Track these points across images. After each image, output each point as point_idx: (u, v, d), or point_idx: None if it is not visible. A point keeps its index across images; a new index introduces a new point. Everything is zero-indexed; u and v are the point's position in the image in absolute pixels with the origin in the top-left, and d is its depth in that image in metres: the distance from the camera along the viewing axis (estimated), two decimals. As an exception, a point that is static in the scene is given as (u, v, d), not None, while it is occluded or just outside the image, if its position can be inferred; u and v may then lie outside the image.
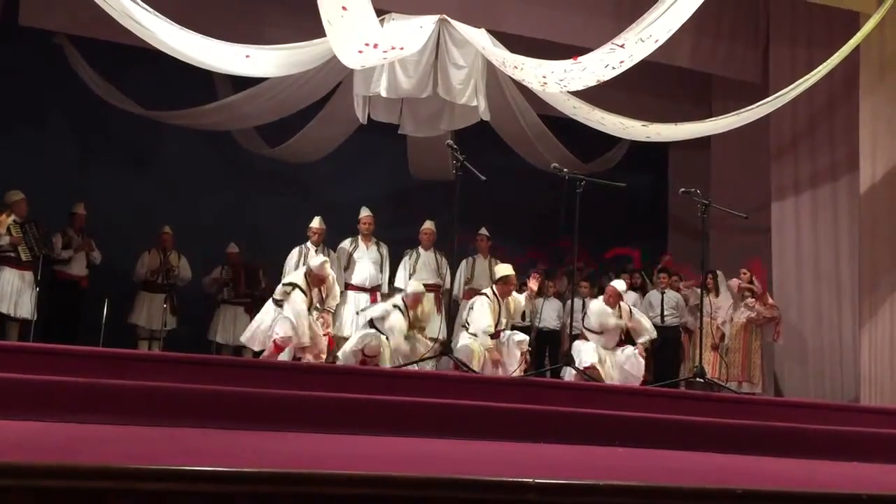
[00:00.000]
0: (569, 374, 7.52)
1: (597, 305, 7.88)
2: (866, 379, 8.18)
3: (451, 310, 8.52)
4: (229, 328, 9.70)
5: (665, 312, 9.45)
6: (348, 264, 8.65)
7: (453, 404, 4.87)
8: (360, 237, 8.76)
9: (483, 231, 9.28)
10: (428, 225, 8.74)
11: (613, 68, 7.45)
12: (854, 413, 6.45)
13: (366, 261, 8.72)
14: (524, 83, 8.29)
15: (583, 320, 8.04)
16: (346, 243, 8.77)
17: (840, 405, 7.48)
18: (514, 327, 9.63)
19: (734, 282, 9.23)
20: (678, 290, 9.70)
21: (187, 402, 4.27)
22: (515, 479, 2.65)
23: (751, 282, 9.10)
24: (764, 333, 9.09)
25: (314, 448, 3.72)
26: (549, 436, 4.72)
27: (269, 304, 7.54)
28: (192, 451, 3.37)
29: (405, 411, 4.68)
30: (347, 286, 8.60)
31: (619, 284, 7.97)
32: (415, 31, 7.78)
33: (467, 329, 7.47)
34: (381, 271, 8.75)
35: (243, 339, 7.73)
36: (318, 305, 7.54)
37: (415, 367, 6.79)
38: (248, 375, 4.90)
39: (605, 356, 7.63)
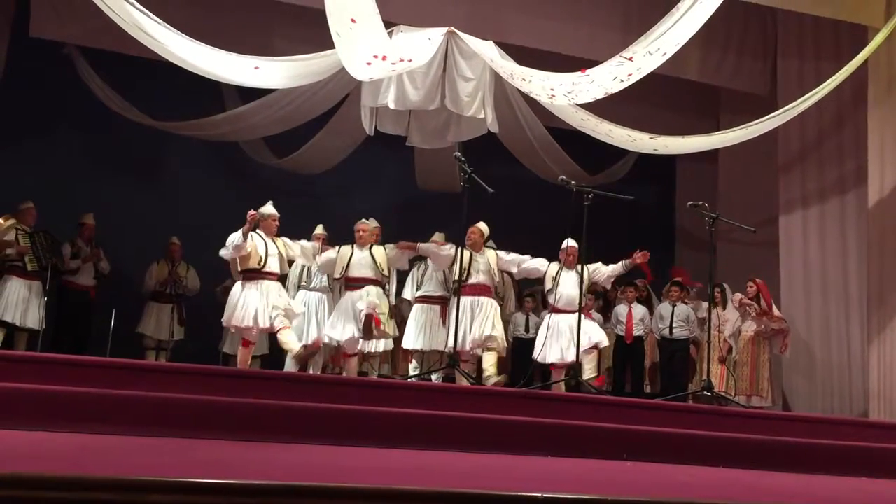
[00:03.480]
0: None
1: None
2: (875, 394, 8.12)
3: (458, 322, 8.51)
4: (237, 339, 9.69)
5: (674, 325, 9.42)
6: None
7: (461, 417, 4.85)
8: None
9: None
10: (436, 237, 8.70)
11: (622, 81, 7.45)
12: (863, 428, 6.40)
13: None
14: (532, 95, 8.30)
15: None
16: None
17: (849, 420, 7.44)
18: (518, 339, 9.67)
19: (736, 296, 9.22)
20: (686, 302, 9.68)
21: (196, 414, 4.26)
22: (524, 494, 2.64)
23: (757, 296, 9.07)
24: (772, 346, 9.05)
25: (322, 460, 3.71)
26: (557, 449, 4.70)
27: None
28: (201, 462, 3.36)
29: (413, 423, 4.66)
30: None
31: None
32: (423, 44, 7.79)
33: None
34: (389, 283, 8.72)
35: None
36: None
37: (420, 379, 6.78)
38: (257, 387, 4.89)
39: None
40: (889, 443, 5.83)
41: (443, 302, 8.35)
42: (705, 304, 9.03)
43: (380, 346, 8.35)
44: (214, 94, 9.68)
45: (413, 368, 8.37)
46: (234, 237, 7.18)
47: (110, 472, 2.65)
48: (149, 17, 6.68)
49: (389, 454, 4.11)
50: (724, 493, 3.66)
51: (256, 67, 7.47)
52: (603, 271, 8.14)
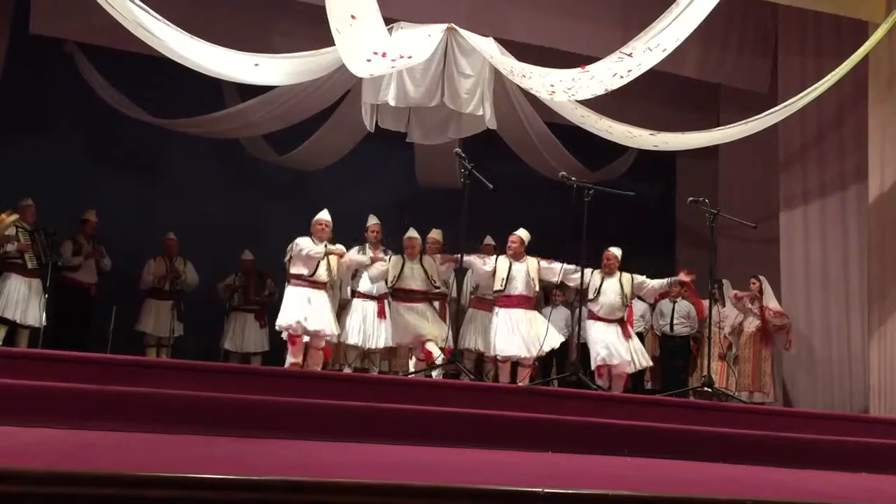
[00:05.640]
0: None
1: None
2: (875, 390, 8.13)
3: (458, 319, 8.52)
4: (238, 335, 9.73)
5: (675, 321, 9.42)
6: (356, 272, 8.60)
7: (461, 413, 4.85)
8: (367, 245, 8.69)
9: (489, 240, 9.27)
10: (433, 234, 8.68)
11: (621, 77, 7.44)
12: (863, 424, 6.41)
13: None
14: (532, 92, 8.30)
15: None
16: (353, 251, 8.71)
17: (849, 416, 7.44)
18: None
19: (733, 293, 9.23)
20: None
21: (197, 410, 4.26)
22: (524, 489, 2.65)
23: (760, 292, 9.08)
24: (775, 342, 9.05)
25: (323, 456, 3.71)
26: (557, 445, 4.70)
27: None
28: (202, 458, 3.37)
29: (413, 420, 4.66)
30: (354, 294, 8.57)
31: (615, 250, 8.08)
32: (423, 40, 7.79)
33: None
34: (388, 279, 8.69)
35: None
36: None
37: (422, 376, 6.79)
38: (258, 383, 4.90)
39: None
40: (889, 438, 5.83)
41: (441, 298, 8.37)
42: (705, 301, 9.04)
43: (380, 342, 8.36)
44: (214, 91, 9.68)
45: (413, 365, 8.37)
46: (306, 246, 7.60)
47: (112, 468, 2.65)
48: (149, 13, 6.69)
49: (390, 450, 4.11)
50: (725, 489, 3.66)
51: (256, 64, 7.48)
52: (648, 285, 8.16)
